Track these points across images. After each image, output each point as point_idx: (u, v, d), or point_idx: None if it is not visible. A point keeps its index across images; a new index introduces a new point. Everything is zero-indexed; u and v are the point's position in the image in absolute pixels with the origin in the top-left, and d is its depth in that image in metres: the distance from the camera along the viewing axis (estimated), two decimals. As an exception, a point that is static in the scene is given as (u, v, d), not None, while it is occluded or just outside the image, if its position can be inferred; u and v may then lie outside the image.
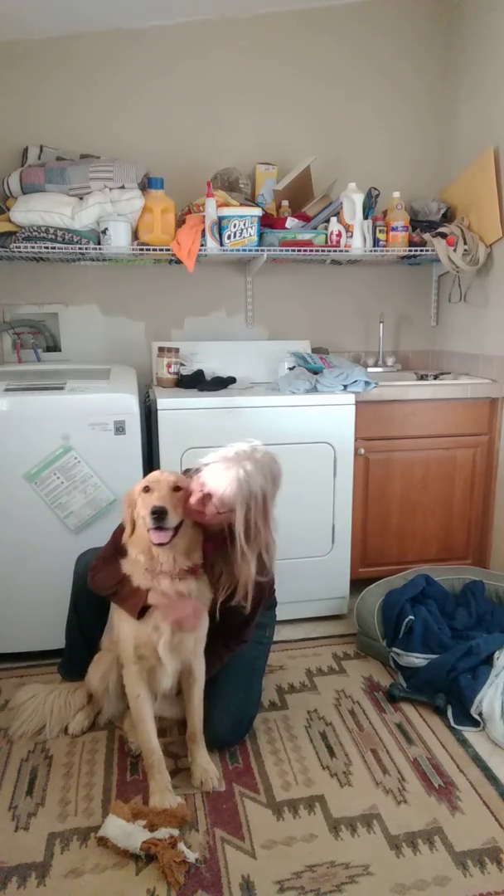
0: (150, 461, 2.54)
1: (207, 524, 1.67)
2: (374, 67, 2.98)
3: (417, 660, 2.17)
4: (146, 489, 1.66)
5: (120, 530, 1.79)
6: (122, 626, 1.73)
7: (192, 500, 1.61)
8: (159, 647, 1.67)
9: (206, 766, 1.76)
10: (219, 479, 1.56)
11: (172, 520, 1.60)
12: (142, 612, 1.67)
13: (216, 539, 1.71)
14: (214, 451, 1.65)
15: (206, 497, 1.58)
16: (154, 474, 1.70)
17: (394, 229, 2.77)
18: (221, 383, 2.62)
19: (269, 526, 1.65)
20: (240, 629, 1.84)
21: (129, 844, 1.49)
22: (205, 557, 1.73)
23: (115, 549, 1.78)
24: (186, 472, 1.81)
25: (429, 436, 2.69)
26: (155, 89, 2.82)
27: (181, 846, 1.49)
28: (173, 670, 1.73)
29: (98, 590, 1.80)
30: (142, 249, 2.58)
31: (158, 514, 1.58)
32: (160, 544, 1.61)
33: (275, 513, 1.68)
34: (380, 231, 2.77)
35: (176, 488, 1.65)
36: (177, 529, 1.64)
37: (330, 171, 2.92)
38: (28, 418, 2.18)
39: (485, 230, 2.72)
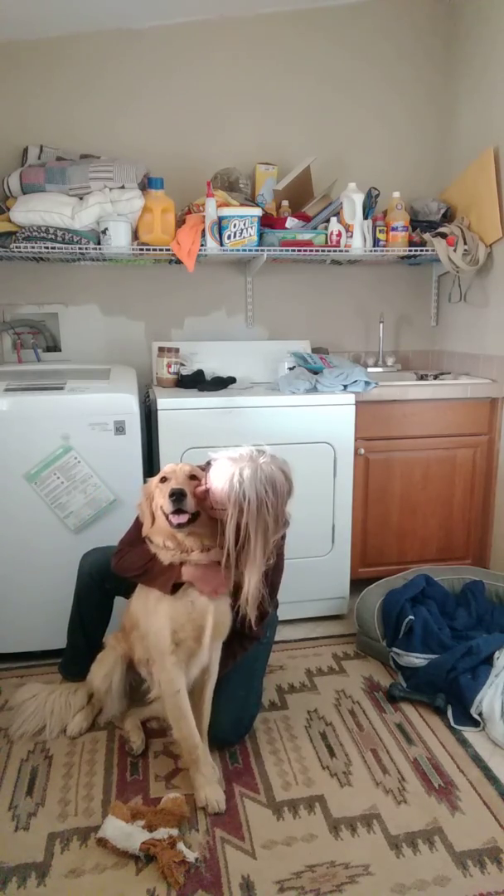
0: (150, 461, 2.54)
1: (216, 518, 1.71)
2: (374, 67, 2.98)
3: (417, 660, 2.17)
4: (163, 479, 1.71)
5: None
6: (155, 615, 1.71)
7: (199, 489, 1.66)
8: (207, 620, 1.68)
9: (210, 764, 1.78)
10: (217, 476, 1.61)
11: (190, 503, 1.64)
12: (174, 588, 1.69)
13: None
14: (225, 450, 1.68)
15: (207, 491, 1.64)
16: (170, 466, 1.76)
17: (394, 229, 2.77)
18: (221, 383, 2.62)
19: (262, 538, 1.59)
20: (254, 626, 1.85)
21: (128, 845, 1.49)
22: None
23: (139, 534, 1.80)
24: (209, 464, 1.83)
25: (429, 436, 2.69)
26: (155, 89, 2.82)
27: (180, 846, 1.49)
28: (207, 657, 1.74)
29: (125, 571, 1.81)
30: (142, 249, 2.58)
31: (177, 496, 1.63)
32: (179, 525, 1.65)
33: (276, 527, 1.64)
34: (380, 231, 2.77)
35: (192, 477, 1.70)
36: (196, 517, 1.67)
37: (330, 171, 2.92)
38: (28, 418, 2.18)
39: (485, 230, 2.72)
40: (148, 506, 1.75)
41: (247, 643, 1.88)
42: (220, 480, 1.59)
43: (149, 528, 1.75)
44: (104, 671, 1.91)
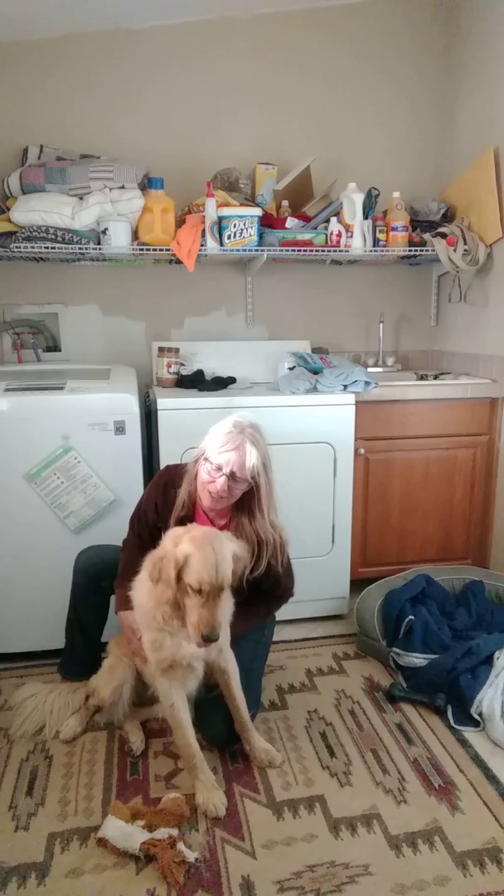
0: (150, 461, 2.54)
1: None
2: (374, 67, 2.98)
3: (417, 660, 2.17)
4: (199, 591, 1.50)
5: (136, 518, 1.91)
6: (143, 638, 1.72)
7: (218, 486, 1.68)
8: (188, 657, 1.65)
9: (265, 748, 1.81)
10: (236, 455, 1.68)
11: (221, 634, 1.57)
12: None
13: (225, 518, 1.82)
14: (209, 435, 1.76)
15: (232, 478, 1.68)
16: (208, 565, 1.49)
17: (394, 229, 2.77)
18: (221, 383, 2.62)
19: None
20: (275, 585, 1.91)
21: (128, 845, 1.49)
22: None
23: (136, 536, 1.89)
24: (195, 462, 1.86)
25: (429, 436, 2.69)
26: (155, 89, 2.82)
27: (180, 846, 1.49)
28: (202, 673, 1.74)
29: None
30: (142, 249, 2.58)
31: (209, 641, 1.52)
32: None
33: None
34: (380, 231, 2.77)
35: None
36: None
37: (330, 171, 2.92)
38: (28, 418, 2.18)
39: (485, 230, 2.72)
40: (165, 574, 1.54)
41: (274, 604, 1.95)
42: (241, 457, 1.68)
43: (157, 587, 1.58)
44: (115, 684, 1.87)
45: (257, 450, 1.70)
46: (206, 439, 1.76)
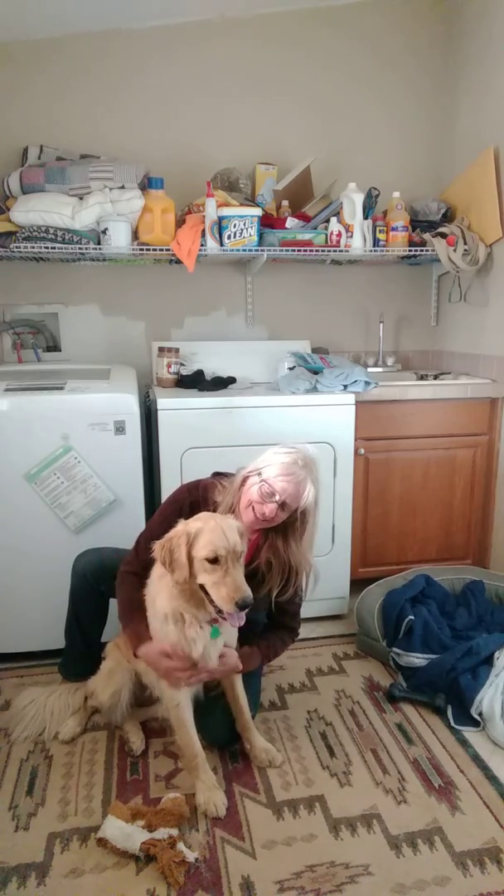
0: (150, 461, 2.54)
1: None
2: (375, 68, 2.98)
3: (417, 660, 2.17)
4: (214, 560, 1.49)
5: (145, 541, 1.79)
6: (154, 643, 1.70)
7: (267, 510, 1.66)
8: (195, 654, 1.63)
9: (266, 748, 1.82)
10: (295, 488, 1.67)
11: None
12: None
13: (256, 533, 1.79)
14: (268, 454, 1.73)
15: (282, 507, 1.67)
16: (216, 534, 1.51)
17: (394, 229, 2.77)
18: (221, 383, 2.62)
19: None
20: (293, 619, 1.92)
21: (128, 845, 1.49)
22: (251, 557, 1.76)
23: (140, 563, 1.80)
24: (217, 475, 1.85)
25: (429, 436, 2.69)
26: (155, 89, 2.82)
27: (180, 846, 1.49)
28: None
29: (117, 597, 1.85)
30: (142, 249, 2.58)
31: (246, 607, 1.49)
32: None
33: None
34: (380, 231, 2.77)
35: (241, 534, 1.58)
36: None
37: (330, 171, 2.92)
38: (28, 418, 2.18)
39: (485, 230, 2.72)
40: (184, 553, 1.51)
41: (288, 638, 1.93)
42: (300, 492, 1.67)
43: (179, 580, 1.54)
44: (113, 689, 1.86)
45: (314, 488, 1.71)
46: (264, 459, 1.72)
